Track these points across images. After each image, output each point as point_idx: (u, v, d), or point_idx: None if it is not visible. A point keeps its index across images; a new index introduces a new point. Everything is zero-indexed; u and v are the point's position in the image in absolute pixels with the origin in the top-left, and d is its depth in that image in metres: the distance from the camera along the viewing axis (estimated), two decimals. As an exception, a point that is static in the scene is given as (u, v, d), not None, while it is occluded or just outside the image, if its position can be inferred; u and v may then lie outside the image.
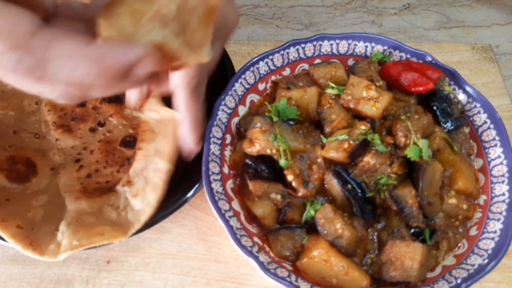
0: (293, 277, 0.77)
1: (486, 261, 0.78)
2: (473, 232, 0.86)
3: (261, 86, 1.03)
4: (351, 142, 0.86)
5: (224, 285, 0.90)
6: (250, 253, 0.77)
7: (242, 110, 1.00)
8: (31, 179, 0.95)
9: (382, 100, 0.92)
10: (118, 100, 1.11)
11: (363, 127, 0.86)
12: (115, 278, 0.92)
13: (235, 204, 0.88)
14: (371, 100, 0.92)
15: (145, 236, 0.97)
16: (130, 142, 1.03)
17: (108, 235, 0.84)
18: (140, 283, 0.91)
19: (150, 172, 0.94)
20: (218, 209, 0.82)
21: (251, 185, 0.87)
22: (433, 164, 0.85)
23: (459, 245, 0.85)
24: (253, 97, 1.02)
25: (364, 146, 0.87)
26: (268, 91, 1.04)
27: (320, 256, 0.77)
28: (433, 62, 1.01)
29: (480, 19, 1.46)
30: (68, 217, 0.87)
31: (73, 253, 0.80)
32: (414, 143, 0.86)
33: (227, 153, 0.94)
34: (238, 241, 0.79)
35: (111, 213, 0.90)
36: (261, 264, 0.76)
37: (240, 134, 0.98)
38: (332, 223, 0.78)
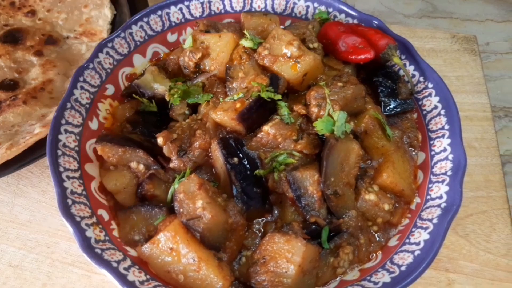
0: (125, 265, 0.56)
1: (393, 280, 0.56)
2: (393, 242, 0.64)
3: (171, 37, 0.85)
4: (245, 101, 0.66)
5: (70, 269, 0.70)
6: (75, 223, 0.57)
7: (139, 60, 0.81)
8: None
9: (304, 61, 0.71)
10: (14, 40, 0.95)
11: (259, 81, 0.67)
12: None
13: (91, 167, 0.68)
14: (291, 59, 0.72)
15: (-4, 197, 0.78)
16: (10, 85, 0.86)
17: None
18: (-30, 253, 0.72)
19: (20, 131, 0.78)
20: (55, 165, 0.62)
21: (98, 149, 0.66)
22: (348, 143, 0.63)
23: (372, 256, 0.63)
24: (158, 48, 0.83)
25: (262, 109, 0.66)
26: (181, 45, 0.85)
27: (166, 242, 0.56)
28: (382, 27, 0.80)
29: (472, 12, 1.26)
30: None
31: None
32: (329, 115, 0.65)
33: (104, 105, 0.75)
34: (64, 206, 0.59)
35: None
36: (84, 240, 0.56)
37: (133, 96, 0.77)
38: (193, 199, 0.57)
